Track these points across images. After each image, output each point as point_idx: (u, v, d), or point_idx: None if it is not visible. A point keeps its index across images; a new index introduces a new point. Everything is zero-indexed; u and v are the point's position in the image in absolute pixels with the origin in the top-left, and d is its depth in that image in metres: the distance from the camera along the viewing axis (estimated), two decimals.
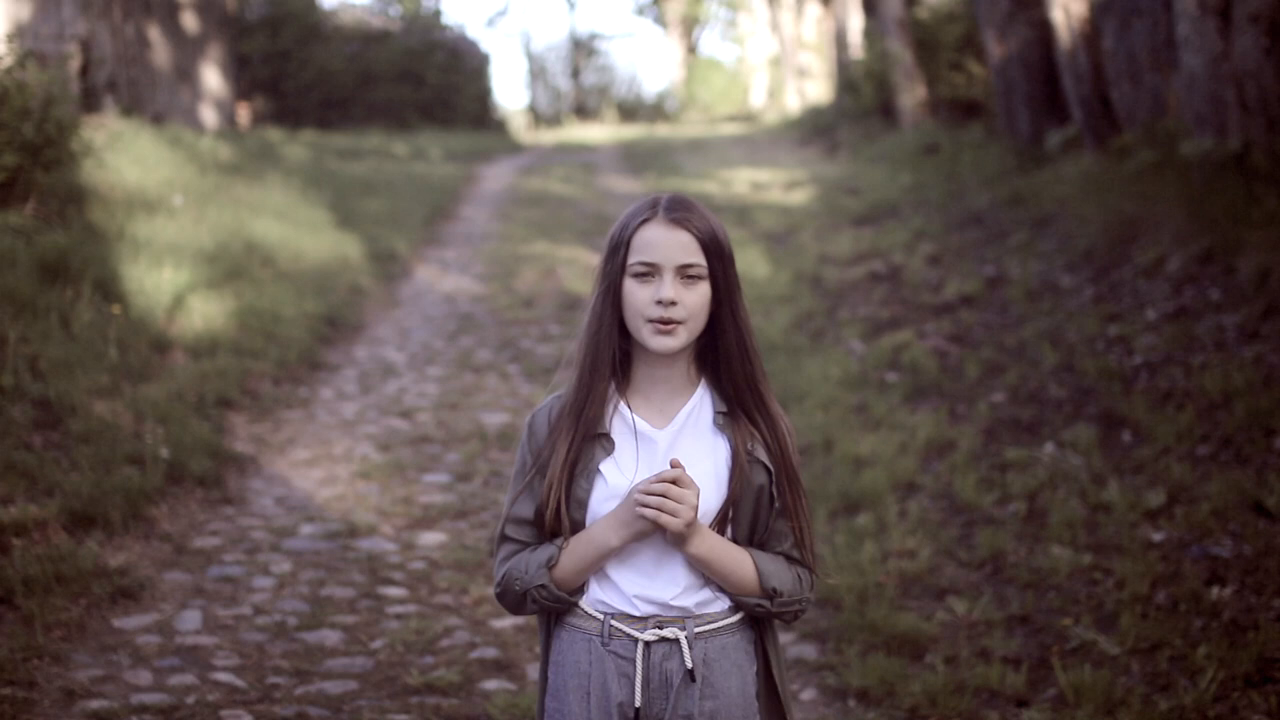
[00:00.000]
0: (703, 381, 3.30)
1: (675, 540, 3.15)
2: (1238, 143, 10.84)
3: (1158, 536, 6.69)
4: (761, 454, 3.23)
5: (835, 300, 12.65)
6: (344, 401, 10.08)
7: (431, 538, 7.44)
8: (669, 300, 3.12)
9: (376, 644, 6.14)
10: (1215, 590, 6.05)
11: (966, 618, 6.24)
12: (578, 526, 3.22)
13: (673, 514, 3.06)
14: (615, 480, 3.21)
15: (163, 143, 16.97)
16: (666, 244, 3.16)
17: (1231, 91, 10.99)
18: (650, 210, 3.23)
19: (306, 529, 7.51)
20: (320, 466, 8.59)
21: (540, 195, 21.78)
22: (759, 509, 3.24)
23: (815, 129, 29.06)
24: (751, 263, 14.30)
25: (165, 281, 10.80)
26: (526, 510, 3.27)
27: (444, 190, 21.57)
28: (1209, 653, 5.48)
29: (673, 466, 3.10)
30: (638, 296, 3.16)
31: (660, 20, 54.57)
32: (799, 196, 19.62)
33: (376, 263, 14.97)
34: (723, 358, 3.24)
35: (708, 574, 3.22)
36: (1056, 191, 14.00)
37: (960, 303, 11.68)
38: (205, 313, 10.72)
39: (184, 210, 13.55)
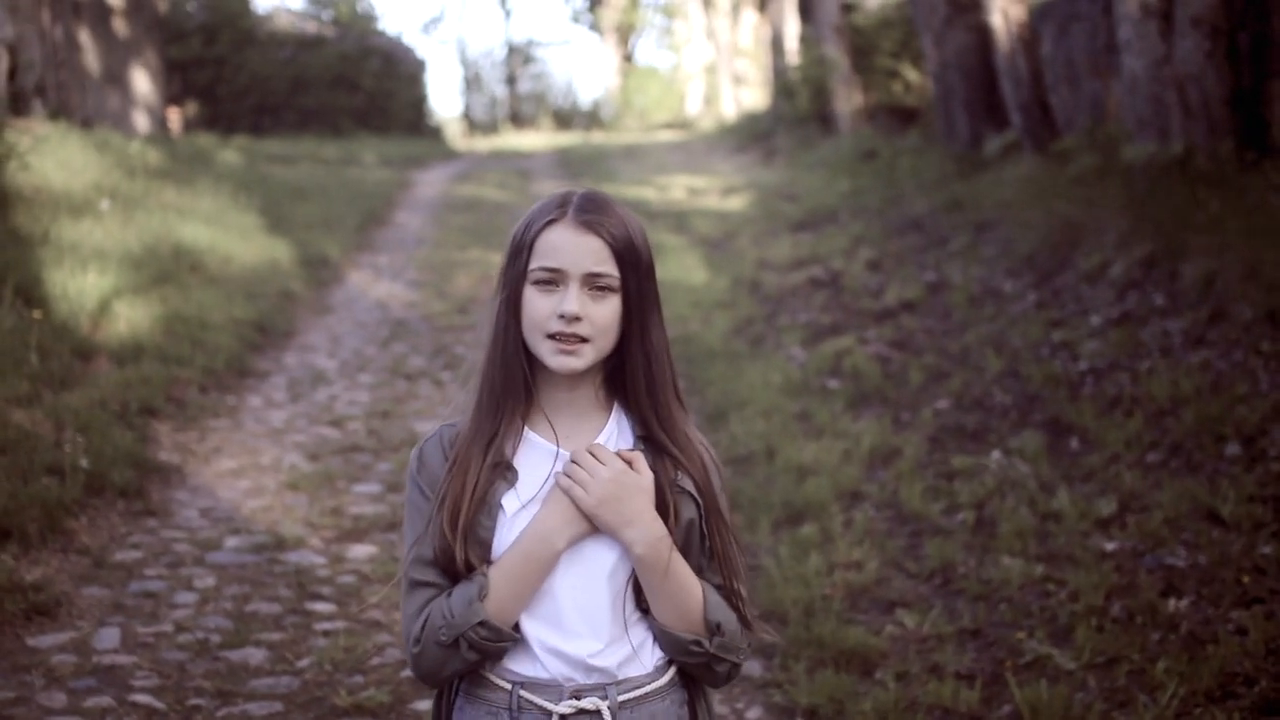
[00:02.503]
0: (616, 405, 2.92)
1: (635, 538, 2.75)
2: (1180, 146, 10.76)
3: (1110, 546, 6.52)
4: (688, 484, 2.86)
5: (775, 306, 12.49)
6: (273, 410, 9.81)
7: (362, 550, 7.18)
8: (572, 314, 2.74)
9: (303, 662, 5.87)
10: (1172, 602, 5.88)
11: (917, 631, 6.03)
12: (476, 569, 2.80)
13: (584, 485, 2.74)
14: (519, 514, 2.80)
15: (91, 146, 16.62)
16: (574, 249, 2.78)
17: (1173, 95, 10.90)
18: (558, 210, 2.83)
19: (232, 541, 7.23)
20: (247, 476, 8.32)
21: (474, 201, 21.59)
22: (689, 545, 2.85)
23: (752, 136, 28.94)
24: (689, 268, 14.14)
25: (90, 286, 10.52)
26: (431, 552, 2.82)
27: (377, 196, 21.35)
28: (1168, 667, 5.29)
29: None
30: (538, 307, 2.78)
31: (596, 27, 54.34)
32: (736, 202, 19.49)
33: (308, 268, 14.72)
34: (629, 383, 2.86)
35: (655, 588, 2.78)
36: (996, 197, 13.88)
37: (901, 308, 11.53)
38: (131, 318, 10.44)
39: (111, 214, 13.25)
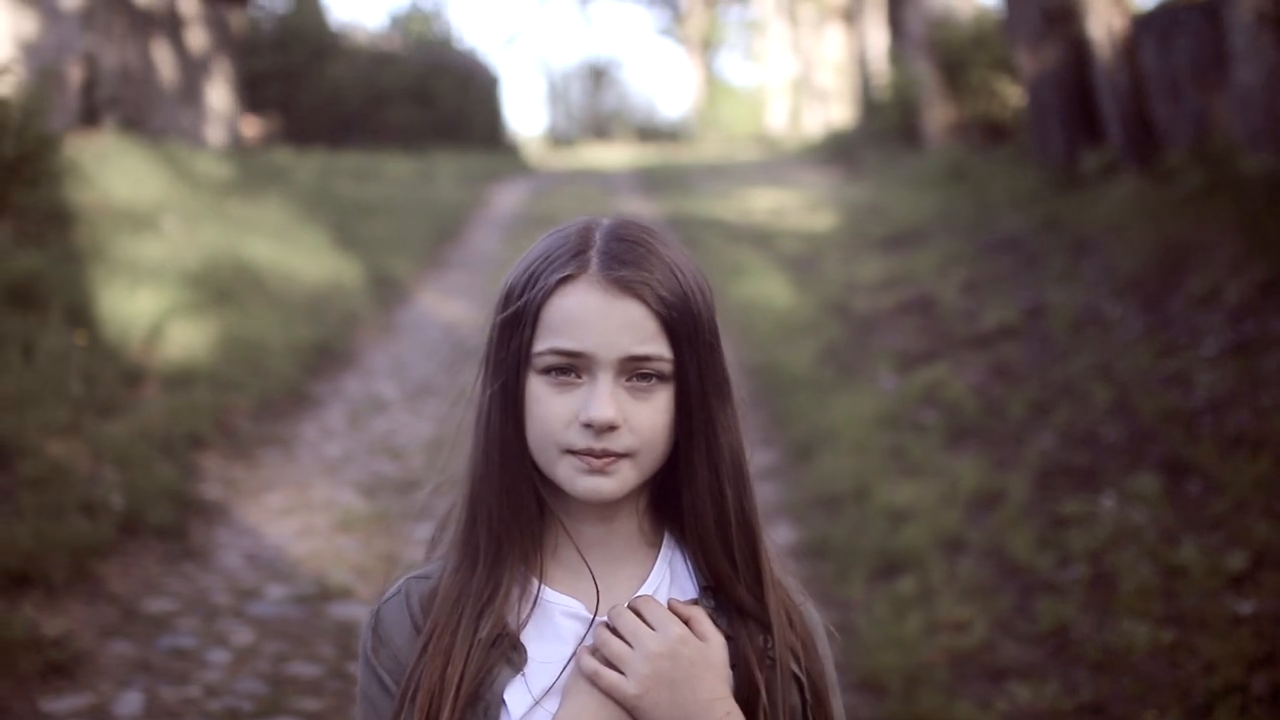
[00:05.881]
0: (666, 540, 2.06)
1: None
2: None
3: (1245, 608, 5.82)
4: (787, 658, 2.00)
5: (864, 330, 11.86)
6: (329, 440, 9.27)
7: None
8: (604, 422, 1.87)
9: None
10: None
11: (1032, 707, 5.36)
12: None
13: (624, 664, 1.91)
14: (532, 717, 1.93)
15: (157, 160, 16.27)
16: (603, 322, 1.89)
17: None
18: (575, 259, 1.94)
19: (274, 591, 6.65)
20: (296, 515, 7.75)
21: (551, 218, 21.07)
22: None
23: (837, 152, 28.40)
24: (773, 290, 13.53)
25: (143, 306, 10.04)
26: None
27: (451, 213, 20.89)
28: None
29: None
30: (551, 410, 1.91)
31: (680, 40, 54.08)
32: (821, 220, 18.91)
33: (375, 288, 14.24)
34: (689, 510, 1.99)
35: None
36: (1096, 215, 13.18)
37: (999, 334, 10.86)
38: (184, 340, 9.96)
39: (172, 230, 12.82)
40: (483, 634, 1.93)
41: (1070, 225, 13.41)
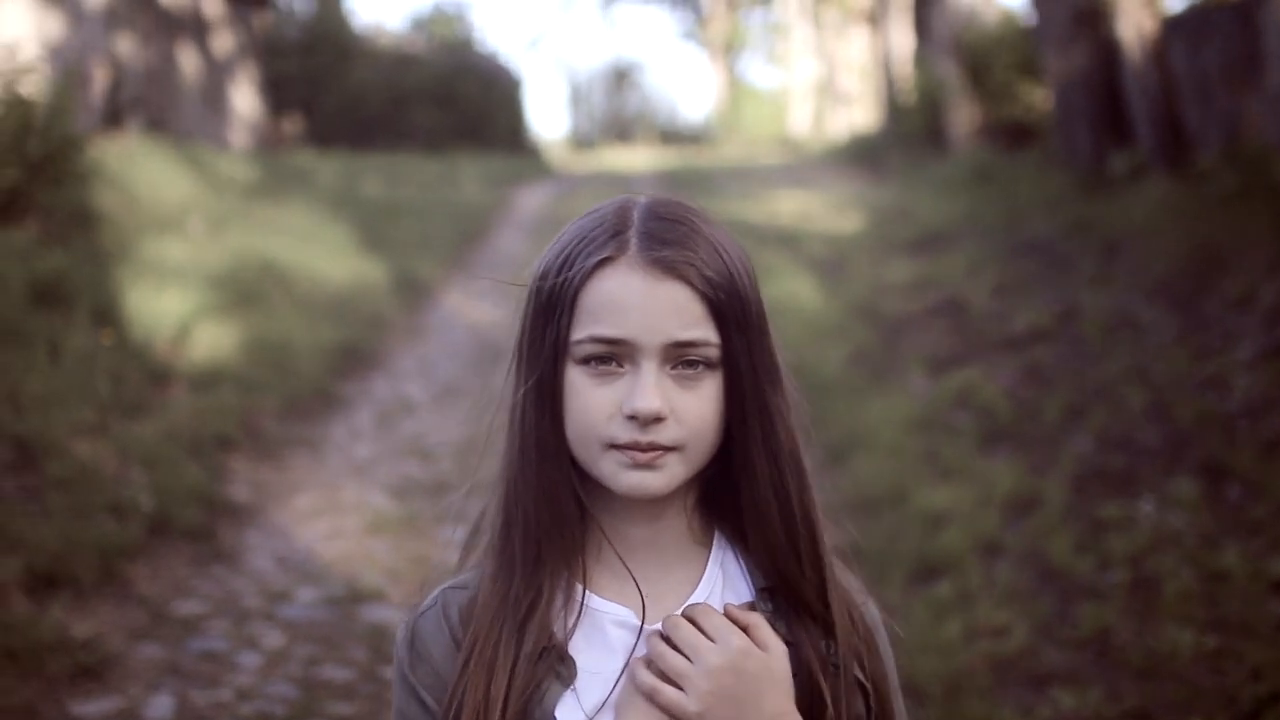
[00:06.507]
0: (717, 538, 1.93)
1: None
2: None
3: None
4: (852, 664, 1.90)
5: (894, 333, 11.76)
6: (357, 442, 9.20)
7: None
8: (650, 413, 1.74)
9: None
10: None
11: (1075, 713, 5.26)
12: None
13: (682, 679, 1.77)
14: None
15: (182, 162, 16.24)
16: (645, 305, 1.76)
17: None
18: (613, 240, 1.80)
19: (304, 594, 6.58)
20: (326, 517, 7.68)
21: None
22: None
23: (861, 155, 28.30)
24: (801, 291, 13.42)
25: (169, 306, 9.98)
26: None
27: (475, 215, 20.84)
28: None
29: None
30: (592, 401, 1.78)
31: (703, 43, 54.03)
32: (848, 223, 18.81)
33: (400, 289, 14.19)
34: (748, 506, 1.86)
35: None
36: (1126, 217, 13.07)
37: (1031, 337, 10.75)
38: (210, 341, 9.90)
39: (198, 231, 12.78)
40: (527, 646, 1.79)
41: (1100, 228, 13.30)
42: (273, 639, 6.07)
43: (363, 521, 7.62)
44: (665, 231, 1.79)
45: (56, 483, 7.00)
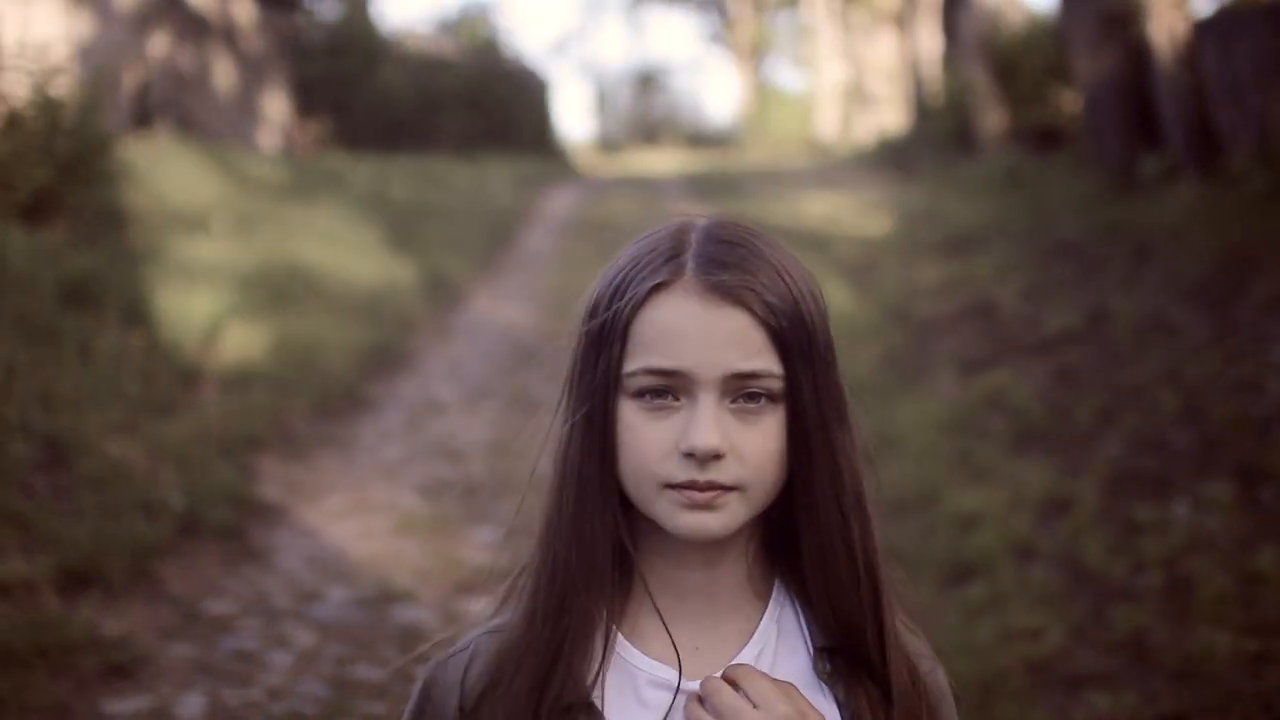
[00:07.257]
0: (777, 590, 1.80)
1: None
2: None
3: None
4: None
5: (925, 335, 11.73)
6: (387, 442, 9.19)
7: (477, 605, 6.48)
8: (709, 450, 1.62)
9: None
10: None
11: (1111, 716, 5.23)
12: None
13: None
14: None
15: (211, 163, 16.26)
16: (703, 334, 1.64)
17: None
18: (669, 264, 1.69)
19: (335, 593, 6.58)
20: (356, 517, 7.68)
21: (603, 221, 21.00)
22: None
23: (889, 157, 28.22)
24: (832, 294, 13.34)
25: (199, 307, 9.99)
26: None
27: (503, 217, 20.84)
28: None
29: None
30: (645, 439, 1.66)
31: (729, 46, 53.98)
32: (877, 225, 18.77)
33: (430, 290, 14.18)
34: (816, 557, 1.73)
35: None
36: (1157, 219, 13.01)
37: (1062, 339, 10.70)
38: (241, 341, 9.92)
39: (227, 232, 12.80)
40: (550, 700, 1.67)
41: (1130, 230, 13.25)
42: (304, 638, 6.07)
43: (392, 522, 7.62)
44: (724, 254, 1.68)
45: (87, 482, 7.01)
